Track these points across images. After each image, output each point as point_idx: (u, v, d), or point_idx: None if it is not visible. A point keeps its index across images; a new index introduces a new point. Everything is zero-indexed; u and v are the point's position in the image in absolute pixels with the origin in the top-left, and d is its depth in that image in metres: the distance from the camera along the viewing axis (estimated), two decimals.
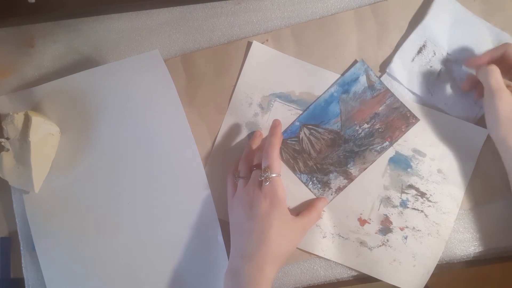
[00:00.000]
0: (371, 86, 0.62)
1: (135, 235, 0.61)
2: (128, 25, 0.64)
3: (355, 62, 0.62)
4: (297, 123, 0.62)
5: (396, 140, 0.61)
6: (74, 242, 0.61)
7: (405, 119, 0.61)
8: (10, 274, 0.62)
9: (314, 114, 0.62)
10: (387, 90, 0.61)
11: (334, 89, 0.62)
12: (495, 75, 0.55)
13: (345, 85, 0.62)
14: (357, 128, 0.62)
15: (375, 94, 0.62)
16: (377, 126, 0.61)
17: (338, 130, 0.62)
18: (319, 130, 0.62)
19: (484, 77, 0.56)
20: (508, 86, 0.56)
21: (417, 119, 0.61)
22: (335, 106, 0.62)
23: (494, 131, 0.56)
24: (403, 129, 0.61)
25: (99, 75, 0.61)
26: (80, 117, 0.61)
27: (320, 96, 0.62)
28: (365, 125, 0.61)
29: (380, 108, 0.62)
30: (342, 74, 0.62)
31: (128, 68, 0.61)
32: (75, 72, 0.60)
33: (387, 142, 0.61)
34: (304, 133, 0.62)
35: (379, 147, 0.61)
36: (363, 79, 0.62)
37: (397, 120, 0.61)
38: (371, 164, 0.61)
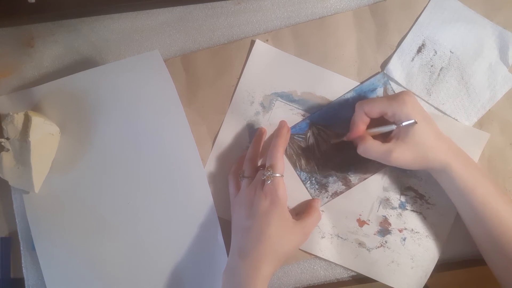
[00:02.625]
0: None
1: (135, 235, 0.61)
2: (128, 25, 0.64)
3: (377, 73, 0.62)
4: (307, 121, 0.62)
5: None
6: (74, 242, 0.61)
7: None
8: (10, 274, 0.62)
9: (326, 116, 0.62)
10: None
11: (350, 95, 0.62)
12: (373, 148, 0.54)
13: (361, 93, 0.62)
14: None
15: None
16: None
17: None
18: (328, 132, 0.62)
19: (368, 157, 0.56)
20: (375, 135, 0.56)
21: None
22: (348, 112, 0.61)
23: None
24: None
25: (99, 75, 0.61)
26: (80, 117, 0.61)
27: (336, 99, 0.62)
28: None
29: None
30: (361, 83, 0.62)
31: (128, 68, 0.61)
32: (75, 72, 0.60)
33: None
34: (313, 131, 0.62)
35: None
36: (380, 91, 0.62)
37: None
38: (371, 175, 0.61)
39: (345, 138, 0.59)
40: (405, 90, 0.54)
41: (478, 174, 0.54)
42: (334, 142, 0.61)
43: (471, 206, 0.54)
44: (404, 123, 0.52)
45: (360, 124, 0.56)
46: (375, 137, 0.56)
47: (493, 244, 0.54)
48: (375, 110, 0.55)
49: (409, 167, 0.55)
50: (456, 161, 0.54)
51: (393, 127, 0.54)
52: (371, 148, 0.54)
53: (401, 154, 0.53)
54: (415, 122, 0.52)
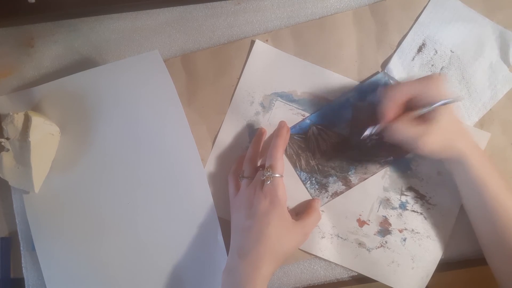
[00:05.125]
0: None
1: (135, 235, 0.61)
2: (128, 25, 0.64)
3: (377, 72, 0.62)
4: (307, 121, 0.62)
5: (401, 157, 0.61)
6: (74, 242, 0.61)
7: None
8: (10, 274, 0.63)
9: (326, 116, 0.62)
10: None
11: (350, 94, 0.62)
12: (401, 132, 0.53)
13: (362, 93, 0.62)
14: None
15: None
16: (385, 140, 0.61)
17: (346, 136, 0.62)
18: (328, 132, 0.62)
19: (397, 140, 0.54)
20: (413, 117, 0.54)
21: None
22: (348, 112, 0.61)
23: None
24: None
25: (99, 75, 0.61)
26: (80, 117, 0.62)
27: (336, 99, 0.62)
28: (374, 136, 0.61)
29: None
30: (361, 82, 0.62)
31: (128, 68, 0.61)
32: (75, 72, 0.61)
33: (391, 157, 0.61)
34: (313, 132, 0.62)
35: (382, 161, 0.61)
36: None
37: None
38: (371, 175, 0.61)
39: (382, 123, 0.55)
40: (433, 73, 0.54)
41: (492, 169, 0.54)
42: (365, 134, 0.57)
43: (482, 200, 0.54)
44: (441, 102, 0.51)
45: (391, 108, 0.54)
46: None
47: (498, 239, 0.54)
48: (405, 94, 0.53)
49: (433, 154, 0.54)
50: (473, 152, 0.54)
51: (431, 107, 0.51)
52: (403, 128, 0.53)
53: (432, 139, 0.52)
54: (452, 100, 0.51)
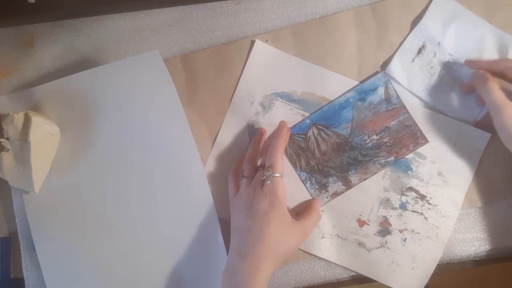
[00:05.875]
0: (387, 99, 0.61)
1: (135, 235, 0.61)
2: (128, 25, 0.64)
3: (377, 72, 0.62)
4: (307, 121, 0.62)
5: (402, 157, 0.61)
6: (74, 242, 0.61)
7: (415, 138, 0.61)
8: (10, 274, 0.62)
9: (326, 116, 0.62)
10: (403, 107, 0.61)
11: (350, 94, 0.62)
12: (495, 92, 0.54)
13: (362, 93, 0.62)
14: (365, 137, 0.61)
15: (390, 108, 0.61)
16: (385, 140, 0.61)
17: (347, 136, 0.62)
18: (328, 132, 0.62)
19: (485, 94, 0.55)
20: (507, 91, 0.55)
21: (426, 141, 0.61)
22: (348, 112, 0.61)
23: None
24: (411, 148, 0.61)
25: (99, 75, 0.61)
26: (80, 117, 0.62)
27: (336, 99, 0.62)
28: (374, 136, 0.61)
29: (392, 123, 0.61)
30: (361, 82, 0.62)
31: (128, 68, 0.61)
32: (75, 72, 0.61)
33: (392, 157, 0.61)
34: (313, 132, 0.62)
35: (383, 161, 0.61)
36: (381, 91, 0.61)
37: (407, 138, 0.61)
38: (372, 175, 0.61)
39: (475, 64, 0.58)
40: None
41: None
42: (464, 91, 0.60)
43: None
44: None
45: (496, 65, 0.56)
46: None
47: None
48: (501, 64, 0.55)
49: (506, 132, 0.54)
50: None
51: None
52: (496, 90, 0.54)
53: None
54: None
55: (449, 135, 0.61)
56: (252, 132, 0.62)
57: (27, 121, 0.57)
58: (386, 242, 0.61)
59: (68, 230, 0.61)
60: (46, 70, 0.64)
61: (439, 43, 0.61)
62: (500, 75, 0.56)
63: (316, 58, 0.62)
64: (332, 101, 0.62)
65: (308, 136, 0.62)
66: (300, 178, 0.62)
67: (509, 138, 0.54)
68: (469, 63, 0.59)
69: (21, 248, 0.62)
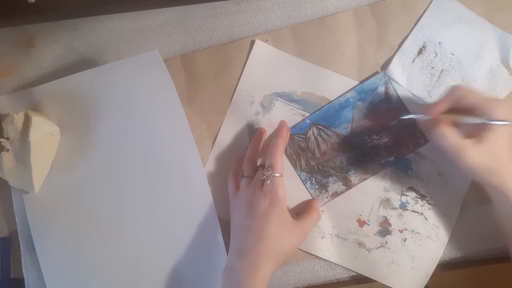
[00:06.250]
0: (388, 99, 0.61)
1: (135, 235, 0.61)
2: (128, 25, 0.64)
3: (377, 72, 0.62)
4: (307, 121, 0.62)
5: (402, 157, 0.61)
6: (74, 242, 0.61)
7: (415, 138, 0.61)
8: (10, 274, 0.63)
9: (326, 116, 0.62)
10: (403, 107, 0.61)
11: (350, 94, 0.62)
12: (447, 138, 0.51)
13: (362, 93, 0.62)
14: (365, 137, 0.61)
15: (390, 108, 0.61)
16: (385, 140, 0.61)
17: (347, 136, 0.62)
18: (328, 132, 0.62)
19: (437, 142, 0.53)
20: (455, 123, 0.53)
21: (426, 141, 0.61)
22: (348, 112, 0.61)
23: (484, 181, 0.53)
24: (411, 148, 0.61)
25: (99, 75, 0.61)
26: (80, 117, 0.62)
27: (336, 99, 0.62)
28: (374, 136, 0.61)
29: (392, 123, 0.61)
30: (361, 82, 0.62)
31: (128, 68, 0.61)
32: (75, 72, 0.61)
33: (392, 157, 0.61)
34: (313, 132, 0.62)
35: (383, 161, 0.61)
36: (381, 90, 0.61)
37: (407, 138, 0.61)
38: (372, 175, 0.61)
39: (422, 112, 0.55)
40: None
41: None
42: (405, 118, 0.57)
43: None
44: (499, 122, 0.49)
45: (443, 104, 0.53)
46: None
47: None
48: (470, 99, 0.51)
49: (472, 173, 0.52)
50: None
51: (485, 120, 0.50)
52: (448, 135, 0.51)
53: (475, 155, 0.50)
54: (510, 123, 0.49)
55: None
56: (252, 132, 0.62)
57: (27, 121, 0.57)
58: (386, 242, 0.61)
59: (68, 230, 0.61)
60: (46, 70, 0.64)
61: (439, 43, 0.61)
62: (454, 108, 0.53)
63: (316, 58, 0.62)
64: (332, 101, 0.62)
65: (308, 136, 0.62)
66: (300, 178, 0.62)
67: (474, 176, 0.53)
68: (426, 112, 0.55)
69: (21, 248, 0.62)
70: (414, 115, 0.56)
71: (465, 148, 0.50)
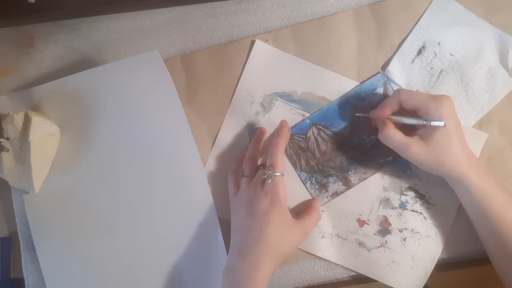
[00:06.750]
0: None
1: (135, 235, 0.61)
2: (128, 25, 0.64)
3: (377, 72, 0.62)
4: (307, 121, 0.62)
5: (400, 157, 0.61)
6: (74, 242, 0.61)
7: None
8: (10, 274, 0.62)
9: (326, 116, 0.62)
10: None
11: (350, 94, 0.62)
12: (393, 137, 0.55)
13: (361, 93, 0.62)
14: (365, 137, 0.62)
15: None
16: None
17: (346, 136, 0.62)
18: (328, 132, 0.62)
19: (386, 142, 0.56)
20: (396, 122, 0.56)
21: None
22: (348, 112, 0.62)
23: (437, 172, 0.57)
24: None
25: (99, 75, 0.61)
26: (80, 117, 0.62)
27: (336, 99, 0.62)
28: (373, 136, 0.61)
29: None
30: (361, 82, 0.62)
31: (128, 68, 0.61)
32: (75, 72, 0.61)
33: (390, 157, 0.61)
34: (313, 132, 0.62)
35: (382, 161, 0.61)
36: (380, 91, 0.62)
37: None
38: (371, 175, 0.61)
39: (369, 114, 0.59)
40: (446, 94, 0.55)
41: (496, 189, 0.54)
42: (357, 115, 0.61)
43: (487, 220, 0.54)
44: (432, 123, 0.53)
45: (389, 107, 0.56)
46: (400, 128, 0.56)
47: (504, 251, 0.54)
48: (412, 101, 0.55)
49: (424, 167, 0.56)
50: (474, 174, 0.54)
51: (421, 121, 0.54)
52: (392, 136, 0.55)
53: (419, 151, 0.54)
54: (444, 125, 0.53)
55: None
56: (252, 132, 0.62)
57: (27, 121, 0.57)
58: (386, 242, 0.61)
59: (68, 230, 0.61)
60: (46, 70, 0.64)
61: (439, 43, 0.61)
62: (399, 110, 0.57)
63: (316, 58, 0.62)
64: (331, 101, 0.62)
65: (308, 136, 0.62)
66: (300, 178, 0.62)
67: (428, 169, 0.56)
68: (374, 116, 0.59)
69: (21, 248, 0.62)
70: (366, 114, 0.59)
71: (410, 146, 0.54)
